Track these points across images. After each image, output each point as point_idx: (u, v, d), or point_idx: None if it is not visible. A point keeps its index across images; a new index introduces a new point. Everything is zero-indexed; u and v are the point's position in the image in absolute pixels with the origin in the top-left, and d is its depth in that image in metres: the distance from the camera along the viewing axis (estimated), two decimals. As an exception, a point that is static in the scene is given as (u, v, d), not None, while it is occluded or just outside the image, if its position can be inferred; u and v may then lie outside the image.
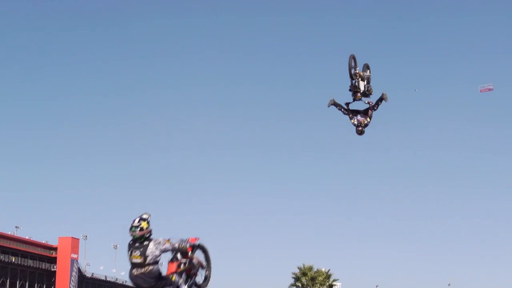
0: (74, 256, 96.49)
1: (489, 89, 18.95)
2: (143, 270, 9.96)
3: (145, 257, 9.91)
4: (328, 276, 70.63)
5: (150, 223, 10.20)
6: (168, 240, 10.29)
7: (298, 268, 70.80)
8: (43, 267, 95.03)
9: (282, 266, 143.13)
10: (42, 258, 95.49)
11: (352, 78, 15.40)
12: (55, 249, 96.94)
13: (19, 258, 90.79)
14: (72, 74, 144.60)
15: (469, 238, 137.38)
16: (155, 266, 10.07)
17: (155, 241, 10.07)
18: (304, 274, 69.86)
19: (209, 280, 11.53)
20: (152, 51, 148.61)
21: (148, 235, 10.06)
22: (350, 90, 15.51)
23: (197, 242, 11.06)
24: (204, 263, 11.29)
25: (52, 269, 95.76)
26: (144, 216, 10.20)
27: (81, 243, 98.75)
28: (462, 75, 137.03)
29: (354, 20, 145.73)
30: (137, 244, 10.01)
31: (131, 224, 10.08)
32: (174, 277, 10.52)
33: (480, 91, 19.17)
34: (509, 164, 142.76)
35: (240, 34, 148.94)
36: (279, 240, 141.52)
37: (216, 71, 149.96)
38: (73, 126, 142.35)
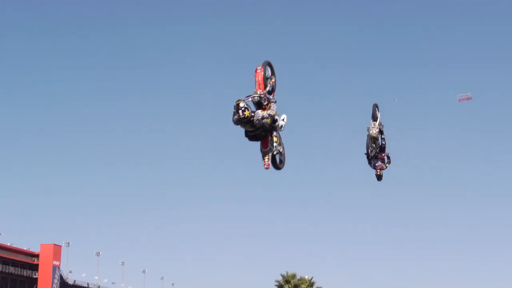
0: (56, 263, 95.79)
1: (468, 99, 19.31)
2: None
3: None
4: (311, 284, 70.65)
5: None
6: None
7: (281, 275, 70.77)
8: (25, 274, 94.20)
9: (265, 274, 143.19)
10: (24, 265, 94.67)
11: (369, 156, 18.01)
12: (37, 256, 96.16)
13: (1, 265, 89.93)
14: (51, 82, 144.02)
15: (456, 246, 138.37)
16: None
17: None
18: (287, 281, 69.83)
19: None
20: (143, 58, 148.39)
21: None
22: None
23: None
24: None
25: (34, 276, 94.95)
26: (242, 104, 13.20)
27: (64, 250, 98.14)
28: (441, 84, 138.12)
29: (329, 27, 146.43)
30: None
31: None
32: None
33: (459, 100, 19.53)
34: (490, 172, 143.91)
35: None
36: (262, 247, 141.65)
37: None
38: (56, 133, 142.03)
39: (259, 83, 14.13)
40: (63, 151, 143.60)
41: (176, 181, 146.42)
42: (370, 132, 18.05)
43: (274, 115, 13.92)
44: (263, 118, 13.60)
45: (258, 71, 14.19)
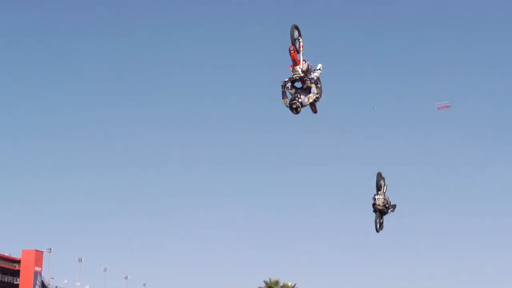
0: (37, 269, 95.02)
1: (447, 107, 19.56)
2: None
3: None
4: (294, 290, 70.89)
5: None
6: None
7: (264, 282, 70.96)
8: (6, 280, 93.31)
9: (249, 280, 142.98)
10: (5, 271, 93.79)
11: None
12: (18, 261, 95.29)
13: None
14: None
15: (439, 259, 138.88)
16: None
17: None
18: (270, 288, 70.01)
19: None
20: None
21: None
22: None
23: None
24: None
25: (15, 282, 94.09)
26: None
27: (45, 255, 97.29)
28: (420, 92, 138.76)
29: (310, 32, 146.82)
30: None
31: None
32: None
33: (438, 108, 19.77)
34: (469, 181, 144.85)
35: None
36: (245, 254, 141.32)
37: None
38: (36, 138, 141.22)
39: (296, 61, 15.81)
40: (45, 156, 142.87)
41: (159, 187, 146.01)
42: (377, 205, 18.41)
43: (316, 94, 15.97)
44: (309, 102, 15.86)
45: (292, 51, 15.71)
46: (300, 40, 15.92)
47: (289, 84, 15.83)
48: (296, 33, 15.83)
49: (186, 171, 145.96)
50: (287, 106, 15.59)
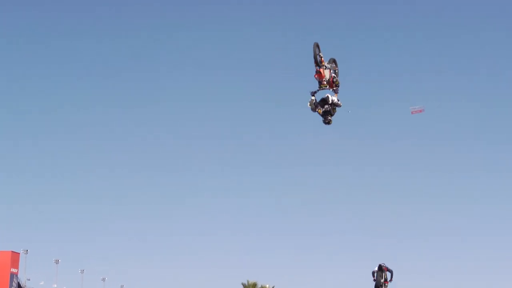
0: (14, 270, 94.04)
1: (420, 111, 19.81)
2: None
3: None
4: (272, 292, 71.03)
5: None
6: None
7: (242, 284, 71.04)
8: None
9: (226, 283, 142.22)
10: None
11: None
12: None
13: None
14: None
15: (411, 258, 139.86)
16: None
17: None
18: (248, 290, 70.07)
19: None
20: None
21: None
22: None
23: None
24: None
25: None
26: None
27: (22, 257, 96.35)
28: (394, 96, 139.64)
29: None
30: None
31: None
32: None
33: (412, 112, 20.01)
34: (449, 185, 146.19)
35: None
36: (223, 255, 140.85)
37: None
38: (13, 139, 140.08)
39: (322, 77, 18.06)
40: (21, 158, 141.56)
41: (134, 188, 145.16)
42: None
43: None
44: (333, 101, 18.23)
45: (317, 73, 18.01)
46: (321, 54, 18.02)
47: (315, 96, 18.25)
48: (317, 50, 17.92)
49: (160, 173, 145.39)
50: (320, 115, 18.15)
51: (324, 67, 17.93)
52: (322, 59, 17.82)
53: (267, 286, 71.98)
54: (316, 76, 17.88)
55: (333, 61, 18.40)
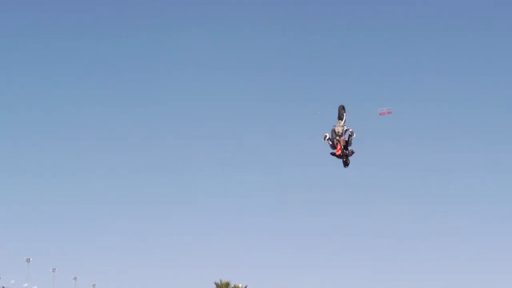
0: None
1: (388, 113, 19.76)
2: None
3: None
4: (244, 292, 70.90)
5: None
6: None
7: (215, 283, 70.80)
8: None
9: (199, 282, 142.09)
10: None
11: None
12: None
13: None
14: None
15: (398, 259, 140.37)
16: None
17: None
18: (220, 289, 69.82)
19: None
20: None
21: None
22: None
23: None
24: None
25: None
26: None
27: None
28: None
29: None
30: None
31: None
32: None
33: (380, 114, 19.95)
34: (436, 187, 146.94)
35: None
36: (195, 255, 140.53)
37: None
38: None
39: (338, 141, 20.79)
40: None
41: (107, 188, 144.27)
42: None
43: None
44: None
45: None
46: (344, 114, 20.86)
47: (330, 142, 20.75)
48: (342, 111, 20.85)
49: (136, 175, 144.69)
50: (339, 156, 20.60)
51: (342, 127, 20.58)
52: (345, 118, 20.59)
53: (240, 285, 71.85)
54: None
55: (342, 107, 20.68)
